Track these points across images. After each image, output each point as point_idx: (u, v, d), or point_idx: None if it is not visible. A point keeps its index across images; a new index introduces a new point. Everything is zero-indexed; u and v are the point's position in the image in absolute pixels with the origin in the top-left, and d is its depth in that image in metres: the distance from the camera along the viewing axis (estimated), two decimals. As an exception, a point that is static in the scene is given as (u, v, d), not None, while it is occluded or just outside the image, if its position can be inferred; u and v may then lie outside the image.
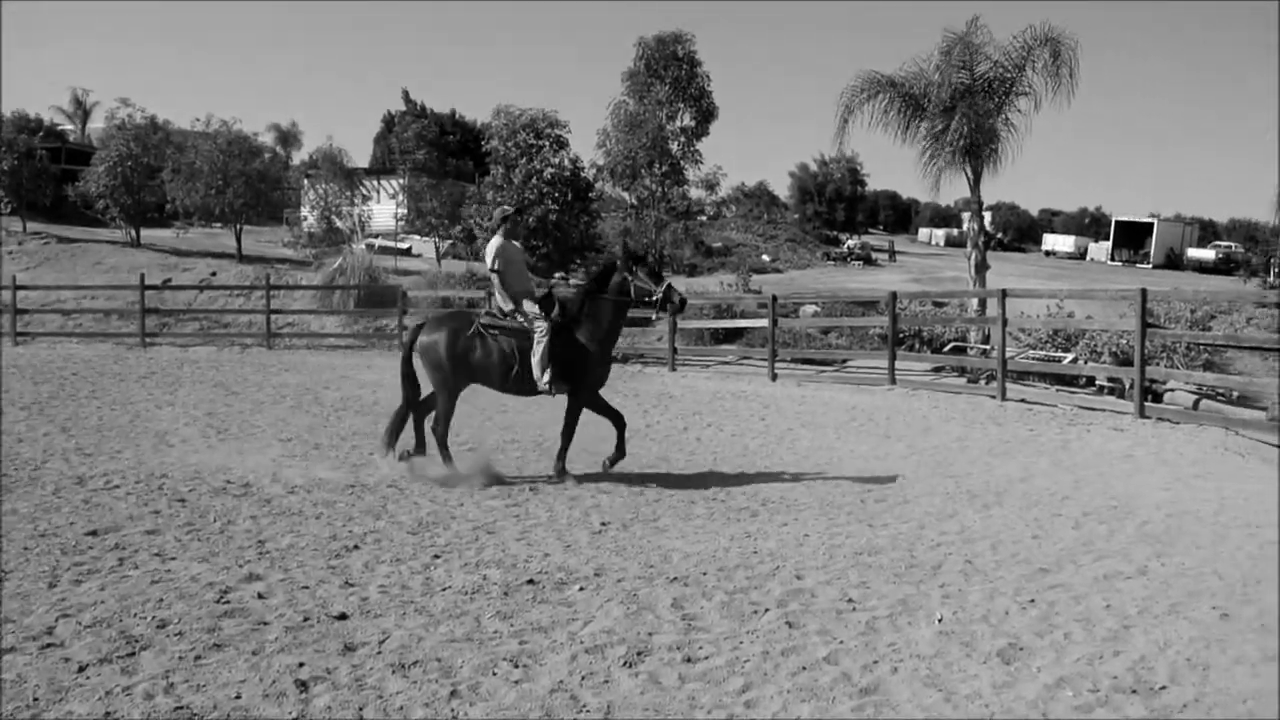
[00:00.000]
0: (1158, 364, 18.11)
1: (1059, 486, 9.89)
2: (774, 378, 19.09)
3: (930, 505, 9.03)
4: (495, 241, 10.00)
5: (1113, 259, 72.36)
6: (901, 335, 20.91)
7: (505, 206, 10.40)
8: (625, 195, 37.28)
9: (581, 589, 6.42)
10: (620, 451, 10.08)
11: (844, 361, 21.02)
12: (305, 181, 45.97)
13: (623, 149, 35.13)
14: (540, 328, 9.69)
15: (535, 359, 9.66)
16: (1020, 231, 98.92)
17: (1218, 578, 6.89)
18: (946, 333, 22.40)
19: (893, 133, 22.34)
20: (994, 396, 15.99)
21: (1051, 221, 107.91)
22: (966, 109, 21.05)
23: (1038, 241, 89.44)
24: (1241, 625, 5.94)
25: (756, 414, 14.81)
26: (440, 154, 43.55)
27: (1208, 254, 69.40)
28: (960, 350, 20.85)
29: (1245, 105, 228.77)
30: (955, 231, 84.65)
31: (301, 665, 5.17)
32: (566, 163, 34.65)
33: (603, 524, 8.20)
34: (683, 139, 36.36)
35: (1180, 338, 18.96)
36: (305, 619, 5.81)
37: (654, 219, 35.71)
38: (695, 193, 37.46)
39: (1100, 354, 18.69)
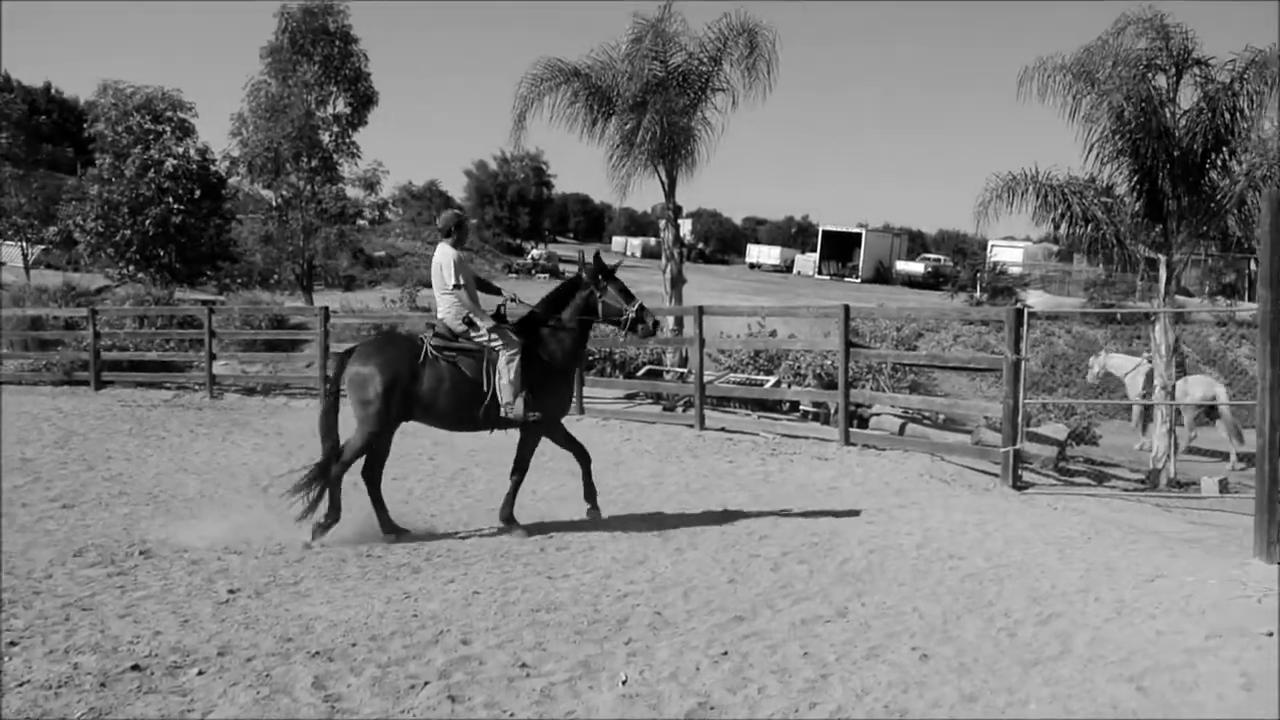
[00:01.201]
0: (863, 386, 19.46)
1: (758, 524, 10.41)
2: (446, 409, 19.00)
3: (618, 550, 9.28)
4: (449, 252, 9.86)
5: (820, 272, 77.15)
6: (591, 358, 21.35)
7: (454, 210, 10.35)
8: (267, 194, 36.19)
9: (201, 672, 6.15)
10: (592, 489, 10.33)
11: (527, 389, 21.17)
12: None
13: (263, 138, 34.10)
14: (510, 349, 9.67)
15: (505, 383, 9.63)
16: (723, 242, 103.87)
17: (918, 616, 7.46)
18: (641, 355, 23.09)
19: (580, 129, 22.85)
20: (692, 425, 16.64)
21: (756, 231, 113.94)
22: (659, 104, 21.81)
23: (742, 253, 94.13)
24: (940, 665, 6.46)
25: (424, 452, 14.69)
26: (30, 138, 40.88)
27: (917, 267, 75.22)
28: (656, 374, 21.55)
29: (950, 112, 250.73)
30: (653, 241, 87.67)
31: None
32: (193, 153, 33.36)
33: (231, 592, 7.89)
34: (336, 128, 35.75)
35: (885, 358, 20.47)
36: None
37: (302, 222, 34.83)
38: (352, 192, 36.93)
39: (804, 376, 19.86)
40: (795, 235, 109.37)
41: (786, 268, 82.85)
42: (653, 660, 6.46)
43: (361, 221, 41.90)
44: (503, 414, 9.73)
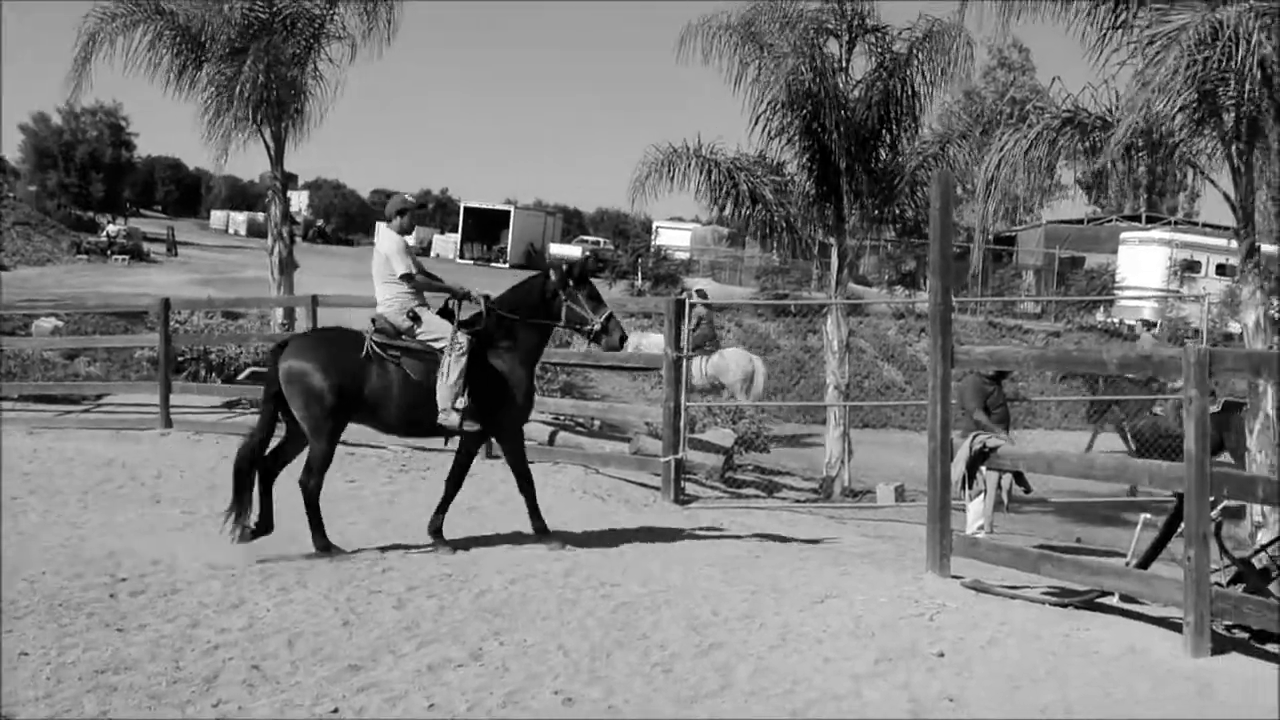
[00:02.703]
0: (508, 389, 19.65)
1: (382, 554, 10.36)
2: (-10, 424, 18.09)
3: (209, 593, 9.00)
4: (395, 239, 10.44)
5: (463, 255, 77.28)
6: (180, 359, 20.75)
7: (406, 195, 10.98)
8: None
9: None
10: (540, 520, 10.83)
11: (98, 398, 20.53)
12: None
13: None
14: (459, 344, 9.98)
15: (446, 383, 9.93)
16: (349, 218, 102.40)
17: (564, 654, 7.61)
18: (244, 354, 22.49)
19: (164, 79, 22.11)
20: (304, 439, 16.38)
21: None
22: (262, 51, 21.36)
23: (370, 232, 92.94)
24: (586, 709, 6.63)
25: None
26: None
27: (572, 250, 76.54)
28: (260, 377, 21.09)
29: (612, 75, 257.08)
30: (261, 217, 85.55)
31: None
32: None
33: None
34: None
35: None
36: None
37: None
38: None
39: (442, 379, 19.86)
40: (434, 213, 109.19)
41: (424, 250, 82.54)
42: (247, 724, 6.32)
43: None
44: (439, 420, 10.04)
